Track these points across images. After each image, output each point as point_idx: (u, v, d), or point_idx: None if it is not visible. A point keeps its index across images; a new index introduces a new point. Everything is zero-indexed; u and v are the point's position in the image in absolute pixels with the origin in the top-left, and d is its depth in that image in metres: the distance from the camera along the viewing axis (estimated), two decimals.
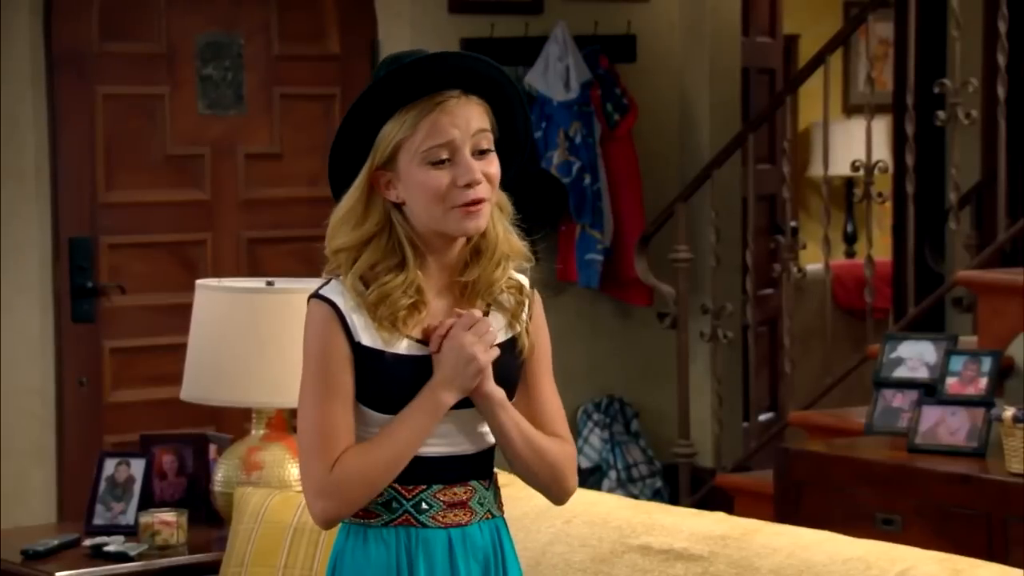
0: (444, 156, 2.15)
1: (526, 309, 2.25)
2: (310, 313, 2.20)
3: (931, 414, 3.93)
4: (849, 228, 8.40)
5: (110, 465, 3.69)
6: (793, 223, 5.95)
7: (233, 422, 4.42)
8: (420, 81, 2.15)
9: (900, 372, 4.15)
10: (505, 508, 3.01)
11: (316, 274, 4.90)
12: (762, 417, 5.85)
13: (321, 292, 2.21)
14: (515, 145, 2.24)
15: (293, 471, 3.46)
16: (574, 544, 2.88)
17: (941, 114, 4.53)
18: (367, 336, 2.16)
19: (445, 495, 2.20)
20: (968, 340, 4.33)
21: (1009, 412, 3.64)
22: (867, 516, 3.74)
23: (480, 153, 2.17)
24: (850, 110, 8.38)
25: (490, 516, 2.24)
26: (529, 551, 2.84)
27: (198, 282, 3.60)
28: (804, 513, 3.77)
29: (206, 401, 3.59)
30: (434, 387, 2.16)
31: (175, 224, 5.27)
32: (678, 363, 5.52)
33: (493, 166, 2.18)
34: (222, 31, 5.34)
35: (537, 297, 2.28)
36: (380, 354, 2.16)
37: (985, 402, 3.87)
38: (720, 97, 6.03)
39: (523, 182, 5.78)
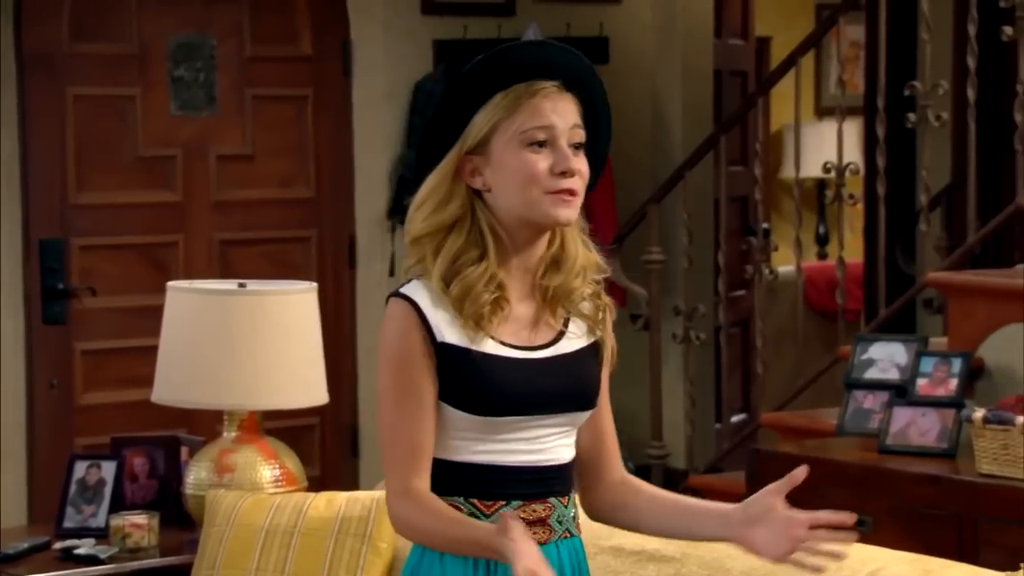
0: (542, 138, 2.12)
1: (607, 316, 2.22)
2: (389, 311, 2.14)
3: (902, 415, 3.94)
4: (821, 230, 8.42)
5: (80, 467, 3.68)
6: (765, 225, 5.97)
7: (205, 424, 4.41)
8: (520, 67, 2.12)
9: (871, 373, 4.16)
10: None
11: (289, 276, 4.92)
12: (734, 418, 5.86)
13: (401, 290, 2.15)
14: (592, 155, 2.18)
15: (265, 473, 3.46)
16: None
17: (912, 116, 4.55)
18: (452, 334, 2.12)
19: (524, 512, 2.14)
20: (939, 341, 4.35)
21: (979, 413, 3.65)
22: None
23: (575, 147, 2.14)
24: (822, 112, 8.40)
25: (568, 535, 2.19)
26: None
27: (169, 284, 3.59)
28: None
29: (178, 403, 3.59)
30: (498, 549, 2.03)
31: (146, 226, 5.25)
32: (650, 365, 5.53)
33: (584, 164, 2.15)
34: (194, 32, 5.33)
35: (611, 308, 2.24)
36: (467, 352, 2.11)
37: (955, 403, 3.89)
38: (692, 99, 6.05)
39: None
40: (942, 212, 5.99)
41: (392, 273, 5.71)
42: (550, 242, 2.17)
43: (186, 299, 3.51)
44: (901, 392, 4.03)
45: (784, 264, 6.37)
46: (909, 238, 5.78)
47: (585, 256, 2.19)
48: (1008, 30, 4.19)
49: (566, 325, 2.19)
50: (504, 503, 2.13)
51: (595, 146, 2.19)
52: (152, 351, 3.60)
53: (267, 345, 3.44)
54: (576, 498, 2.23)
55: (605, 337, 2.22)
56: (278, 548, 3.09)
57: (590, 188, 2.18)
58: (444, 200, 2.14)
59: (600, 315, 2.21)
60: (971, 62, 4.34)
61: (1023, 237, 4.70)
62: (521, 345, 2.15)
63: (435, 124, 2.15)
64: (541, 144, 2.11)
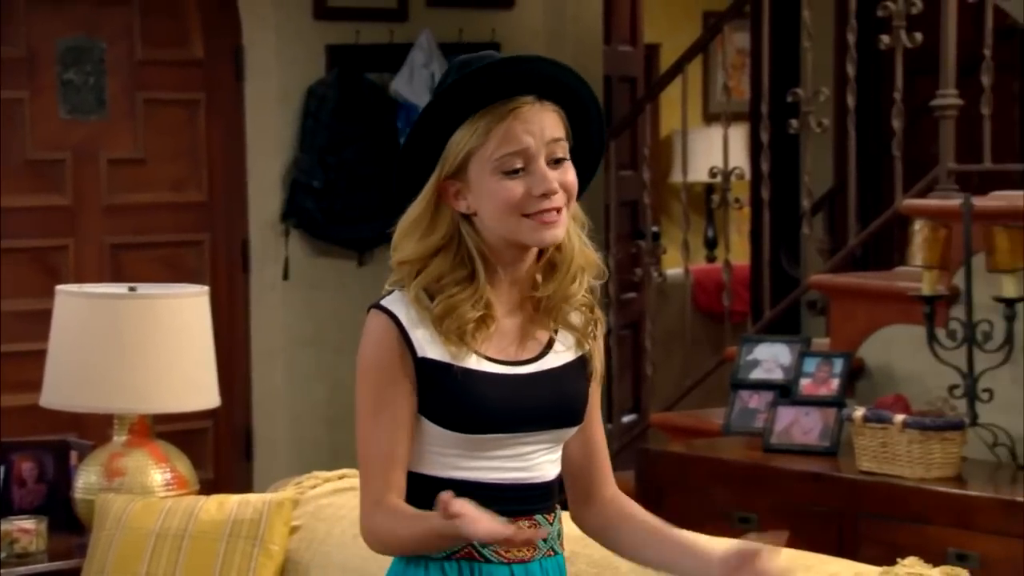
0: (518, 165, 2.02)
1: (597, 330, 2.14)
2: (368, 324, 2.06)
3: (786, 414, 4.00)
4: (709, 233, 8.50)
5: None
6: (655, 228, 6.01)
7: (95, 428, 4.35)
8: (492, 86, 2.02)
9: (756, 374, 4.21)
10: (332, 520, 3.00)
11: (182, 279, 4.87)
12: (625, 419, 5.90)
13: (382, 303, 2.07)
14: (589, 152, 2.11)
15: (156, 477, 3.43)
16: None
17: (794, 122, 4.61)
18: (433, 350, 2.04)
19: None
20: (821, 342, 4.41)
21: (859, 412, 3.71)
22: (725, 515, 3.79)
23: (555, 162, 2.04)
24: (709, 118, 8.48)
25: (552, 553, 2.12)
26: (362, 559, 2.82)
27: (58, 288, 3.55)
28: (665, 513, 3.76)
29: (67, 407, 3.54)
30: (450, 532, 1.94)
31: (36, 229, 5.18)
32: None
33: (569, 175, 2.05)
34: (83, 35, 5.26)
35: (602, 322, 2.17)
36: (448, 368, 2.03)
37: (837, 402, 3.95)
38: None
39: (391, 188, 5.79)
40: (824, 216, 6.08)
41: (286, 276, 5.68)
42: (544, 248, 2.09)
43: (75, 303, 3.46)
44: (785, 392, 4.09)
45: (673, 267, 6.42)
46: (793, 241, 5.85)
47: (583, 255, 2.10)
48: (885, 39, 4.26)
49: (555, 335, 2.11)
50: None
51: (589, 146, 2.10)
52: (42, 355, 3.55)
53: (158, 349, 3.40)
54: (561, 514, 2.16)
55: (594, 351, 2.14)
56: (169, 551, 3.06)
57: (584, 187, 2.10)
58: (429, 228, 2.06)
59: (590, 328, 2.13)
60: (851, 70, 4.41)
61: (902, 240, 4.78)
62: (506, 360, 2.07)
63: (411, 148, 2.06)
64: (516, 171, 2.03)
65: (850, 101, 4.42)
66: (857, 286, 4.29)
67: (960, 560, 3.29)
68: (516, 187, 2.02)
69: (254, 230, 5.66)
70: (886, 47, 4.27)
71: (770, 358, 4.21)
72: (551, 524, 2.13)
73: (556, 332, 2.12)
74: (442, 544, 2.01)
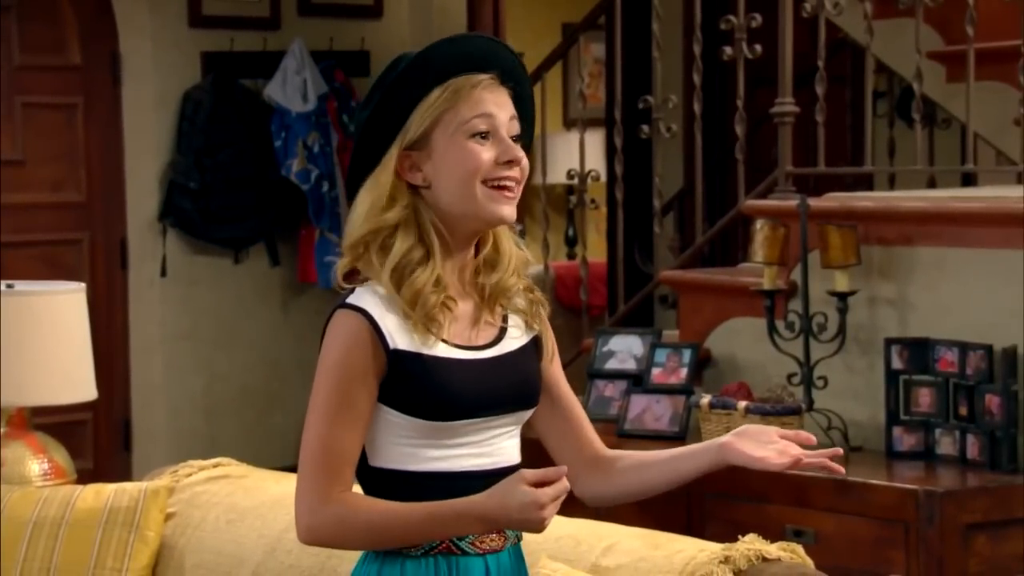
0: (485, 128, 1.98)
1: (541, 310, 2.11)
2: (338, 324, 1.97)
3: (638, 402, 4.04)
4: (570, 232, 8.57)
5: None
6: (519, 227, 6.04)
7: None
8: (454, 60, 1.98)
9: (611, 364, 4.25)
10: (238, 498, 2.99)
11: (62, 277, 4.78)
12: None
13: (349, 301, 1.98)
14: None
15: (34, 467, 3.37)
16: None
17: (646, 128, 4.66)
18: (403, 339, 1.97)
19: None
20: (671, 334, 4.45)
21: (706, 399, 3.77)
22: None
23: (513, 139, 2.01)
24: (570, 123, 8.54)
25: (516, 541, 2.06)
26: (265, 538, 2.82)
27: None
28: None
29: None
30: (481, 515, 1.93)
31: None
32: None
33: (524, 156, 2.02)
34: None
35: (544, 303, 2.14)
36: (419, 357, 1.97)
37: (685, 390, 4.00)
38: None
39: (265, 189, 5.75)
40: (674, 216, 6.16)
41: (164, 273, 5.60)
42: (483, 242, 2.05)
43: None
44: (637, 381, 4.13)
45: (535, 264, 6.45)
46: (646, 239, 5.92)
47: (518, 254, 2.08)
48: (728, 50, 4.32)
49: (505, 322, 2.07)
50: None
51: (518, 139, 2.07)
52: None
53: (35, 344, 3.35)
54: None
55: (543, 330, 2.11)
56: (46, 539, 3.00)
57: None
58: (389, 201, 1.98)
59: (534, 309, 2.10)
60: (697, 79, 4.46)
61: (745, 238, 4.85)
62: (467, 345, 2.03)
63: (372, 126, 1.99)
64: (484, 135, 1.98)
65: (697, 108, 4.47)
66: (704, 281, 4.34)
67: (797, 536, 3.35)
68: (484, 151, 1.98)
69: (132, 229, 5.58)
70: (729, 58, 4.33)
71: (624, 349, 4.25)
72: None
73: (506, 320, 2.08)
74: (455, 527, 1.94)
